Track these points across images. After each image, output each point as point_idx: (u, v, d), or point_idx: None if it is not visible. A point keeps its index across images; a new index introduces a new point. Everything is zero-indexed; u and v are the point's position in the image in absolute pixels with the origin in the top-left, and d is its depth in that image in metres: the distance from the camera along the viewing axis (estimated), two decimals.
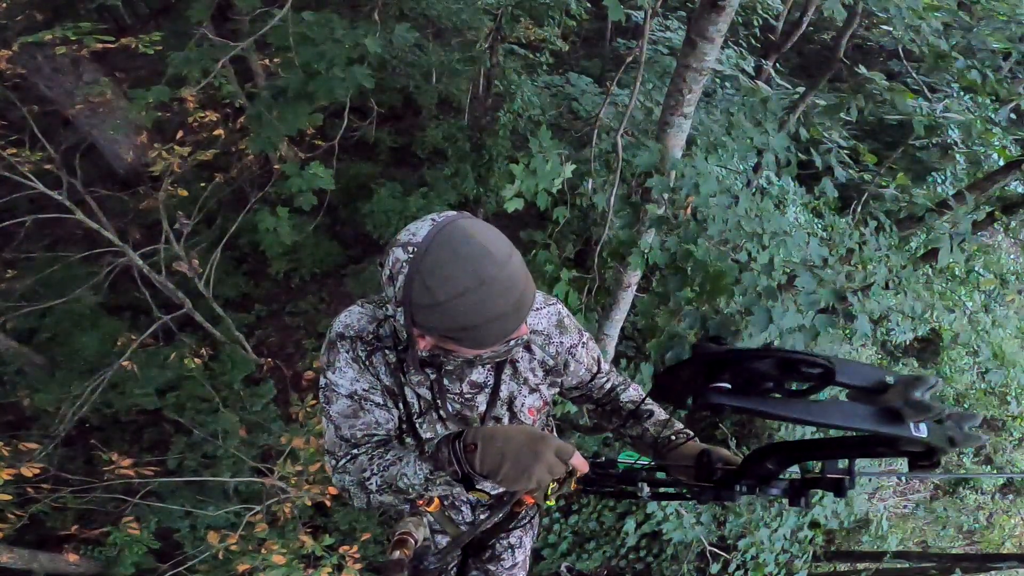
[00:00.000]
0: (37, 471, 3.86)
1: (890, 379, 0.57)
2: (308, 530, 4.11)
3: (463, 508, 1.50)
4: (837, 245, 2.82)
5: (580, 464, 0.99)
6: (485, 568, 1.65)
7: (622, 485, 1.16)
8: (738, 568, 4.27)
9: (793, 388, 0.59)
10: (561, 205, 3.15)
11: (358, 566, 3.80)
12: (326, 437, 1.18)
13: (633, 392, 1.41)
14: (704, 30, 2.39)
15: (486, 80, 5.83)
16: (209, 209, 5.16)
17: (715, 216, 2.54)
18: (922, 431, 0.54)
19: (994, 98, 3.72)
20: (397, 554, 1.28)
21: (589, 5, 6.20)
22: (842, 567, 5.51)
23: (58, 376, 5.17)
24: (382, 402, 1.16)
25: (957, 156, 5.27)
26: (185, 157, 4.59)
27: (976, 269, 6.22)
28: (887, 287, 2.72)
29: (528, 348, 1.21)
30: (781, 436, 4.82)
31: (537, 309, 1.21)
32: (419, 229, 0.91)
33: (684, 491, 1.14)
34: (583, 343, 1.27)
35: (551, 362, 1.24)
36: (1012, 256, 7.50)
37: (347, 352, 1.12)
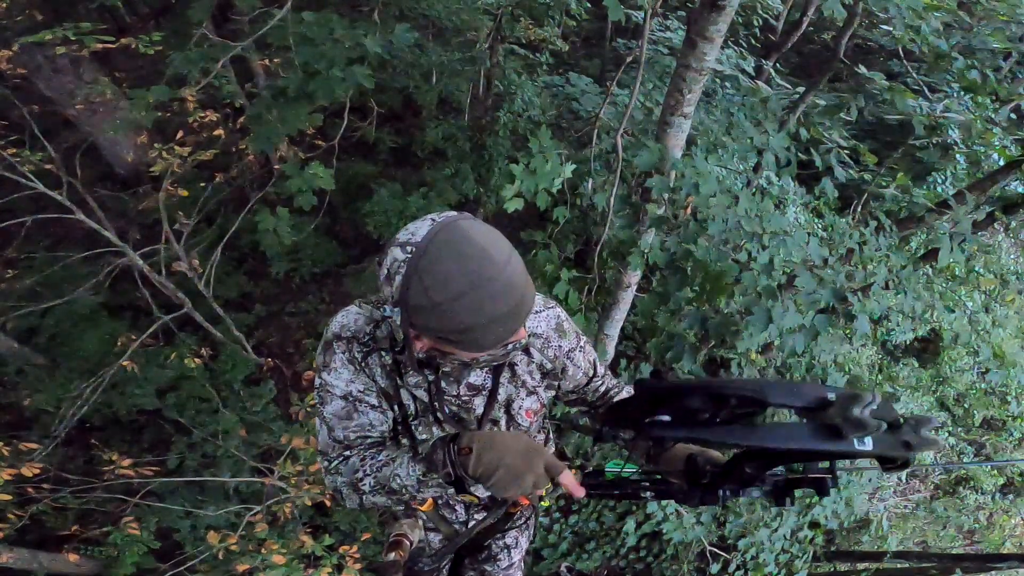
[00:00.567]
0: (37, 471, 3.86)
1: (831, 395, 0.58)
2: (308, 530, 4.11)
3: (457, 507, 1.50)
4: (837, 245, 2.82)
5: (569, 483, 0.99)
6: (481, 569, 1.64)
7: (619, 490, 1.17)
8: (738, 568, 4.27)
9: (734, 411, 0.61)
10: (561, 205, 3.15)
11: (358, 566, 3.80)
12: (319, 438, 1.18)
13: (627, 395, 1.38)
14: (704, 30, 2.39)
15: (486, 80, 5.83)
16: (209, 209, 5.16)
17: (715, 216, 2.54)
18: (867, 444, 0.55)
19: (994, 98, 3.73)
20: (392, 556, 1.29)
21: (589, 5, 6.20)
22: (842, 567, 5.51)
23: (58, 376, 5.17)
24: (377, 404, 1.15)
25: (957, 156, 5.27)
26: (185, 157, 4.59)
27: (976, 269, 6.22)
28: (887, 287, 2.72)
29: (527, 351, 1.20)
30: None
31: (536, 312, 1.20)
32: (418, 229, 0.91)
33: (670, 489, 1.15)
34: (581, 347, 1.27)
35: (549, 365, 1.23)
36: (1012, 256, 7.50)
37: (343, 353, 1.11)
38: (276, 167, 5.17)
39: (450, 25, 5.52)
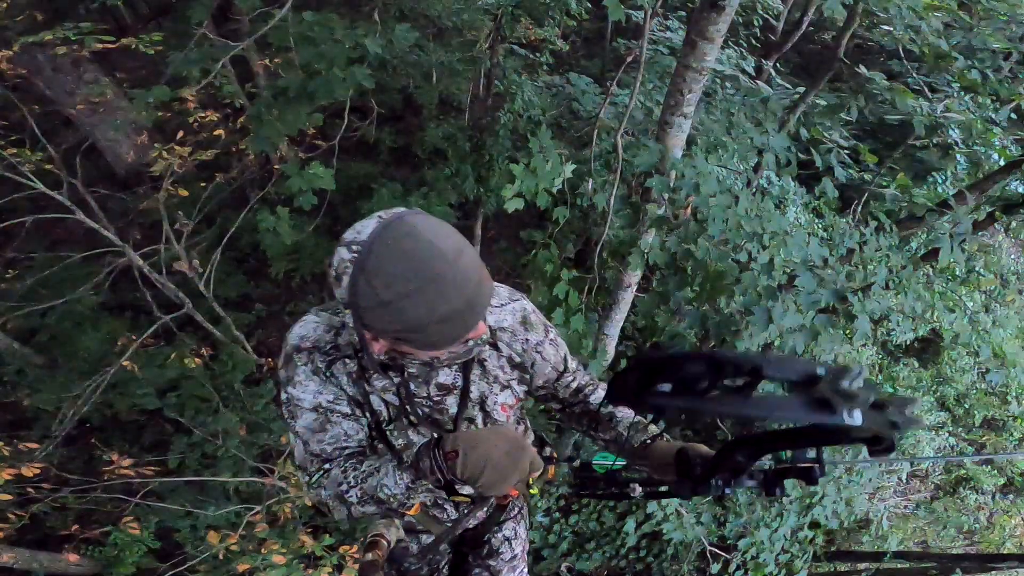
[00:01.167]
0: (37, 471, 3.86)
1: (821, 371, 0.59)
2: (308, 530, 4.11)
3: (447, 507, 1.47)
4: (837, 245, 2.82)
5: (542, 480, 1.03)
6: (487, 564, 1.62)
7: (611, 488, 1.17)
8: (738, 568, 4.27)
9: (728, 385, 0.62)
10: (561, 205, 3.15)
11: (358, 566, 3.80)
12: (296, 453, 1.15)
13: (602, 393, 1.37)
14: (704, 30, 2.39)
15: (486, 80, 5.83)
16: (209, 209, 5.15)
17: (715, 216, 2.54)
18: (856, 418, 0.56)
19: (994, 98, 3.73)
20: (370, 556, 1.27)
21: (589, 5, 6.20)
22: (842, 567, 5.52)
23: (58, 376, 5.17)
24: (349, 412, 1.12)
25: (957, 156, 5.27)
26: (185, 157, 4.59)
27: (977, 269, 6.22)
28: (887, 287, 2.72)
29: (495, 346, 1.18)
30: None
31: (502, 305, 1.18)
32: (364, 227, 0.89)
33: (666, 488, 1.15)
34: (550, 340, 1.24)
35: (518, 359, 1.21)
36: (1012, 256, 7.50)
37: (305, 365, 1.08)
38: (276, 167, 5.17)
39: (450, 25, 5.53)
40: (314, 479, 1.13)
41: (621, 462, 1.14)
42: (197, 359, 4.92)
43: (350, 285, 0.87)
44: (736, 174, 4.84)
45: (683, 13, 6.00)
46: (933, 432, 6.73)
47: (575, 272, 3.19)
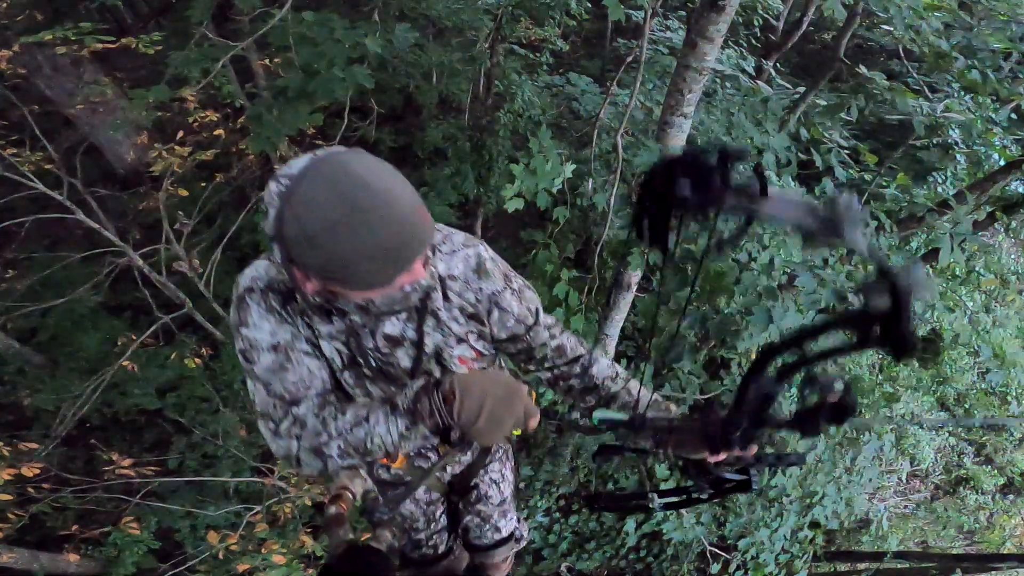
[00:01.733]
0: (37, 471, 3.86)
1: (815, 205, 0.61)
2: (308, 530, 4.11)
3: (430, 455, 1.44)
4: (837, 245, 2.82)
5: (535, 424, 0.97)
6: (477, 510, 1.63)
7: (628, 501, 1.15)
8: (738, 568, 4.27)
9: (743, 186, 0.63)
10: (561, 205, 3.16)
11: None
12: (256, 401, 1.05)
13: (607, 367, 1.28)
14: (704, 30, 2.39)
15: (486, 80, 5.83)
16: (209, 209, 5.15)
17: None
18: (861, 241, 0.58)
19: (995, 98, 3.72)
20: (334, 509, 1.26)
21: (589, 5, 6.20)
22: (842, 567, 5.52)
23: (58, 376, 5.17)
24: (310, 350, 1.05)
25: (958, 156, 5.27)
26: (185, 157, 4.59)
27: (977, 269, 6.22)
28: None
29: (445, 296, 1.11)
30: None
31: (453, 252, 1.11)
32: (298, 162, 0.86)
33: (693, 493, 1.12)
34: (513, 290, 1.16)
35: (471, 309, 1.14)
36: (1013, 256, 7.50)
37: (259, 304, 1.03)
38: (276, 167, 5.17)
39: (450, 25, 5.52)
40: (281, 426, 1.02)
41: (620, 416, 1.07)
42: (197, 359, 4.92)
43: (276, 217, 0.85)
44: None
45: (683, 13, 6.00)
46: (933, 432, 6.74)
47: (575, 272, 3.19)
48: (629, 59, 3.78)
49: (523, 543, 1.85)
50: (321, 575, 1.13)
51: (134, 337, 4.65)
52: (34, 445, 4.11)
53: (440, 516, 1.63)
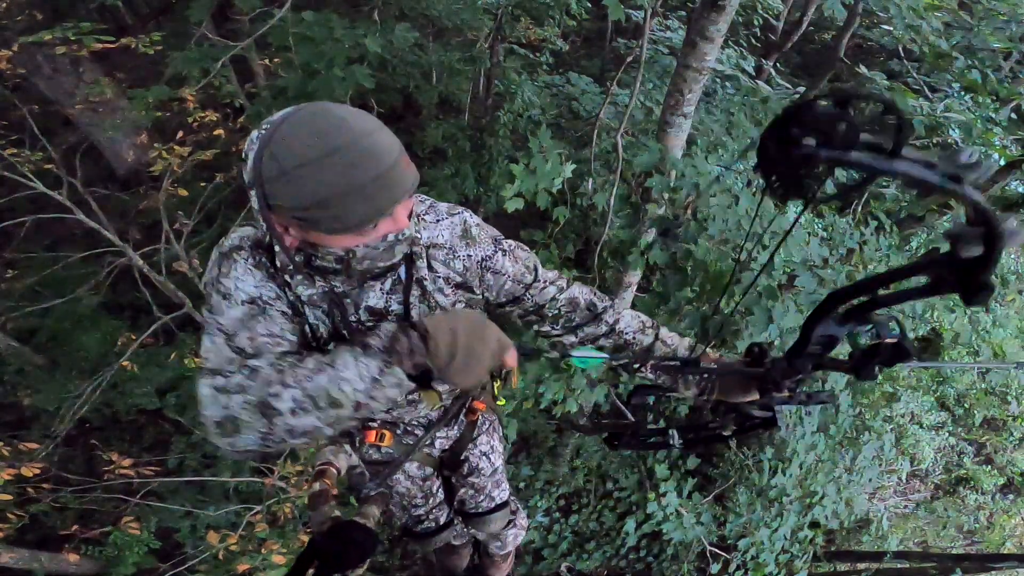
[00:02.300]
0: (37, 471, 3.86)
1: (934, 159, 0.61)
2: (308, 530, 4.11)
3: (417, 432, 1.45)
4: (837, 245, 2.82)
5: (512, 361, 0.92)
6: (471, 483, 1.64)
7: (652, 437, 1.13)
8: (738, 568, 4.27)
9: (871, 142, 0.61)
10: (561, 205, 3.15)
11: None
12: (210, 356, 0.93)
13: (631, 318, 1.21)
14: (704, 30, 2.39)
15: (486, 80, 5.83)
16: (209, 209, 5.16)
17: (715, 216, 2.54)
18: (974, 193, 0.58)
19: (995, 98, 3.72)
20: (318, 485, 1.24)
21: (589, 5, 6.20)
22: (842, 567, 5.51)
23: (58, 376, 5.17)
24: (289, 311, 0.99)
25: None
26: (185, 157, 4.58)
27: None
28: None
29: (430, 266, 1.07)
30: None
31: (438, 220, 1.08)
32: (280, 112, 0.86)
33: (715, 431, 1.10)
34: (504, 251, 1.11)
35: (458, 278, 1.10)
36: (1013, 256, 7.49)
37: (246, 261, 0.97)
38: None
39: (450, 25, 5.52)
40: (232, 380, 0.87)
41: (603, 356, 1.03)
42: (197, 359, 4.92)
43: (254, 160, 0.84)
44: (736, 174, 4.84)
45: (683, 13, 6.00)
46: (933, 432, 6.74)
47: (575, 272, 3.19)
48: (629, 59, 3.78)
49: (520, 517, 1.88)
50: (306, 552, 1.08)
51: (134, 337, 4.65)
52: (34, 445, 4.11)
53: (437, 491, 1.64)
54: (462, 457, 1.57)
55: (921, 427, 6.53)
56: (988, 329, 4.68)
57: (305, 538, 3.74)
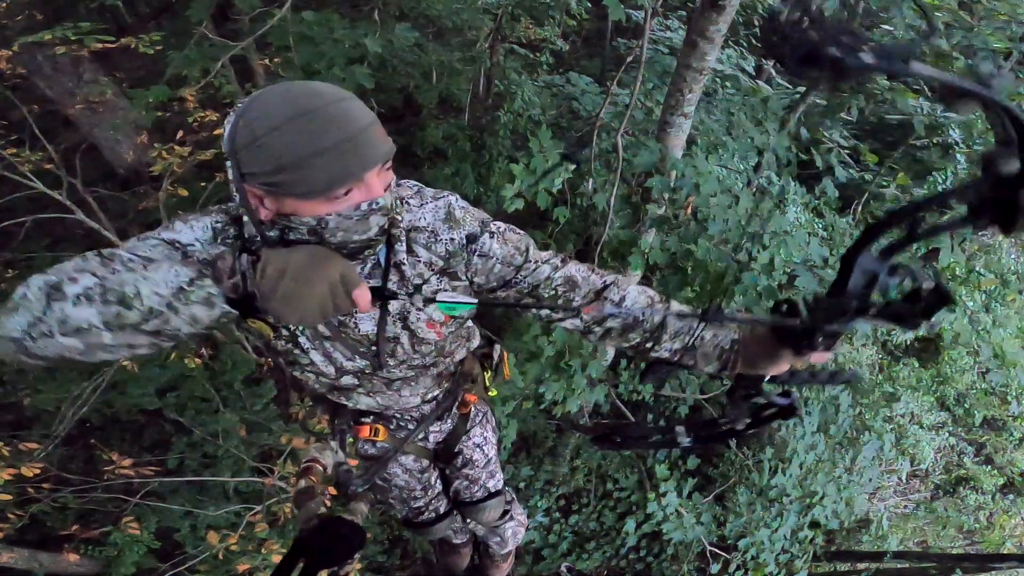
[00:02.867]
0: (37, 471, 3.86)
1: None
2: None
3: (410, 426, 1.48)
4: (837, 245, 2.82)
5: (363, 300, 0.83)
6: (465, 475, 1.67)
7: (657, 436, 1.08)
8: (738, 568, 4.27)
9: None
10: (561, 205, 3.16)
11: (359, 566, 3.80)
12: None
13: (638, 294, 1.11)
14: (704, 30, 2.39)
15: (486, 80, 5.83)
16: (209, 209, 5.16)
17: (715, 216, 2.54)
18: (1006, 102, 0.57)
19: None
20: (303, 483, 1.24)
21: (589, 5, 6.20)
22: (842, 567, 5.52)
23: (58, 376, 5.16)
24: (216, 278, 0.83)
25: (958, 156, 5.27)
26: (185, 157, 4.58)
27: (977, 269, 6.21)
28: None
29: (410, 250, 1.04)
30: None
31: (422, 204, 1.05)
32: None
33: (726, 425, 1.03)
34: (491, 233, 1.06)
35: (441, 263, 1.05)
36: (1013, 256, 7.49)
37: (216, 222, 0.94)
38: None
39: (450, 25, 5.52)
40: (56, 267, 0.78)
41: (471, 302, 0.95)
42: (197, 359, 4.92)
43: (229, 131, 0.86)
44: (736, 174, 4.84)
45: (683, 13, 5.99)
46: (933, 432, 6.74)
47: None
48: (629, 59, 3.78)
49: (517, 509, 1.91)
50: (293, 549, 1.07)
51: None
52: (34, 445, 4.11)
53: (435, 482, 1.68)
54: (456, 449, 1.60)
55: (921, 427, 6.52)
56: (988, 329, 4.68)
57: None
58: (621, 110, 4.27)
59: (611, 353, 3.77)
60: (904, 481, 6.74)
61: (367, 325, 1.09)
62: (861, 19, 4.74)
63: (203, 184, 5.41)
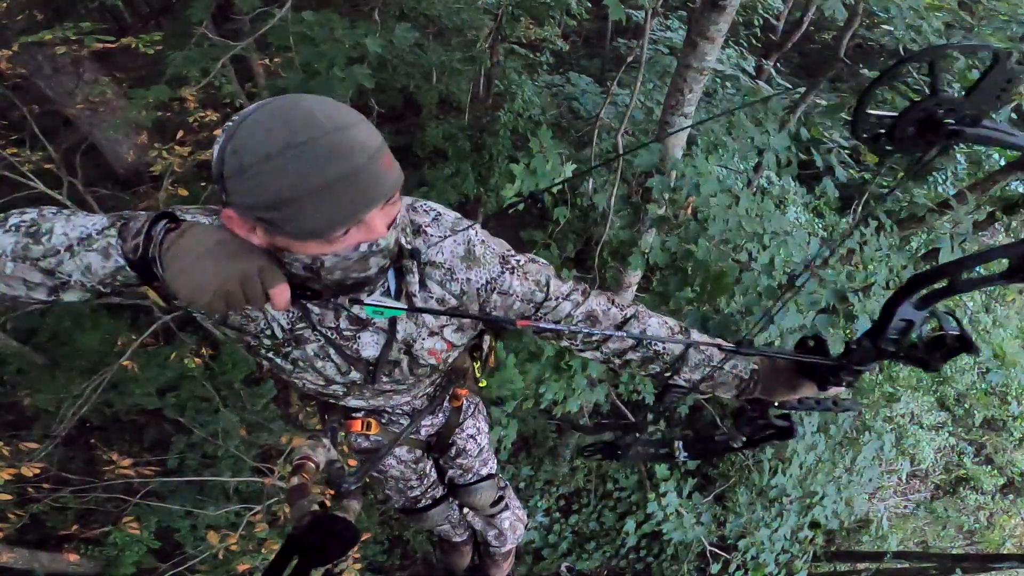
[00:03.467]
0: (37, 471, 3.86)
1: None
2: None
3: (402, 420, 1.51)
4: (838, 245, 2.82)
5: (280, 299, 0.78)
6: (459, 464, 1.70)
7: (655, 449, 1.11)
8: (738, 568, 4.27)
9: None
10: (561, 205, 3.16)
11: (358, 566, 3.81)
12: None
13: (658, 326, 1.10)
14: (705, 30, 2.39)
15: (486, 80, 5.83)
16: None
17: (715, 216, 2.54)
18: None
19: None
20: (296, 480, 1.24)
21: (589, 5, 6.20)
22: (842, 567, 5.52)
23: (58, 376, 5.17)
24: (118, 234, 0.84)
25: (958, 156, 5.27)
26: (185, 157, 4.58)
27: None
28: (888, 287, 2.71)
29: (423, 284, 1.00)
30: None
31: (441, 238, 1.00)
32: (253, 104, 0.79)
33: (723, 443, 1.07)
34: (512, 269, 1.03)
35: (453, 301, 1.02)
36: None
37: (208, 218, 0.89)
38: None
39: (450, 25, 5.52)
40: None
41: (401, 307, 0.91)
42: (197, 359, 4.92)
43: (218, 154, 0.75)
44: (736, 174, 4.85)
45: (683, 13, 5.99)
46: (933, 432, 6.74)
47: (575, 272, 3.19)
48: (629, 59, 3.78)
49: (512, 499, 1.95)
50: (286, 546, 1.05)
51: (134, 337, 4.65)
52: (34, 445, 4.11)
53: (430, 470, 1.72)
54: (449, 442, 1.63)
55: (921, 427, 6.52)
56: (988, 329, 4.68)
57: None
58: (621, 110, 4.28)
59: None
60: (904, 481, 6.74)
61: (370, 351, 1.07)
62: (861, 19, 4.74)
63: (203, 184, 5.41)
